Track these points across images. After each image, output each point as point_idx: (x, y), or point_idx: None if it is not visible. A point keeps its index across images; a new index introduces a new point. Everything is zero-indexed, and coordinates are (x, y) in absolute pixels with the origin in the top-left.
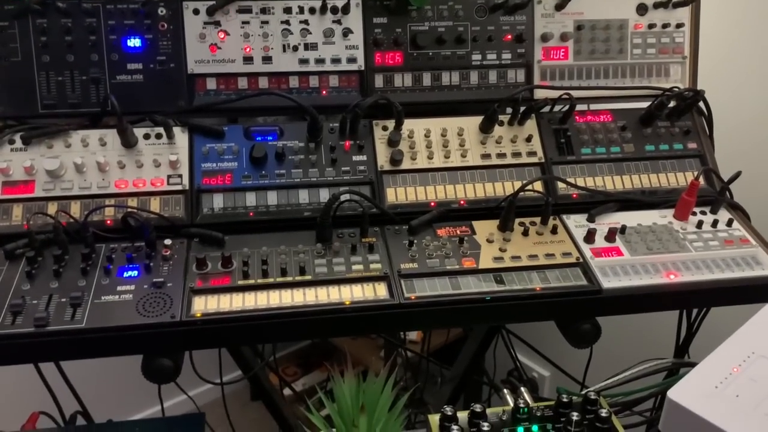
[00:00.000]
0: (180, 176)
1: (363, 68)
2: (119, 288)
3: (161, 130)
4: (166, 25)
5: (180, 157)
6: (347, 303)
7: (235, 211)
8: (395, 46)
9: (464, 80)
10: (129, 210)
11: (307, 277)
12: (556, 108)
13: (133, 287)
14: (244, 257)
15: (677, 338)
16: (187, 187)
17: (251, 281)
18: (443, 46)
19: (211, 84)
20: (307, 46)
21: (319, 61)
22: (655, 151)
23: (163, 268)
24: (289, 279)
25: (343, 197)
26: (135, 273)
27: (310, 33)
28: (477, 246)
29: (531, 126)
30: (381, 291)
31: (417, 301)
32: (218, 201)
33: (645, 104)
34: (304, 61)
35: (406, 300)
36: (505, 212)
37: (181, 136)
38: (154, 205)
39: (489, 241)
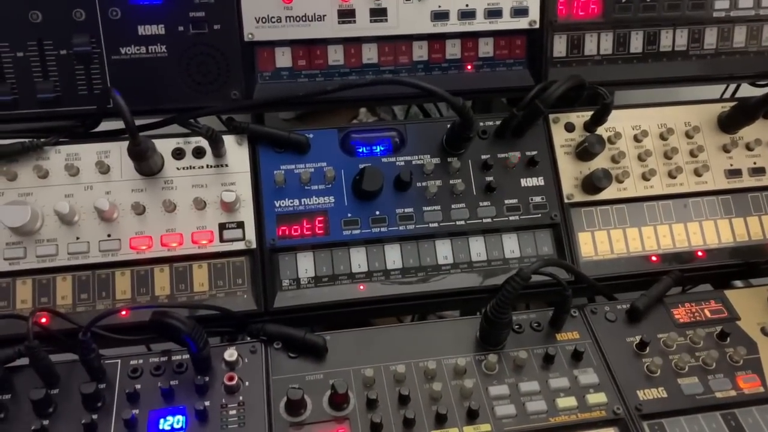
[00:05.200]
0: (240, 225)
1: (537, 25)
2: None
3: (203, 141)
4: None
5: (239, 189)
6: None
7: (335, 284)
8: None
9: (695, 43)
10: (160, 310)
11: (484, 428)
12: None
13: None
14: (365, 386)
15: None
16: (252, 245)
17: None
18: None
19: (284, 59)
20: None
21: (467, 14)
22: None
23: (229, 413)
24: None
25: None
26: (180, 424)
27: None
28: (749, 343)
29: None
30: None
31: None
32: (306, 265)
33: None
34: (440, 16)
35: None
36: None
37: (237, 152)
38: (200, 276)
39: (766, 333)
